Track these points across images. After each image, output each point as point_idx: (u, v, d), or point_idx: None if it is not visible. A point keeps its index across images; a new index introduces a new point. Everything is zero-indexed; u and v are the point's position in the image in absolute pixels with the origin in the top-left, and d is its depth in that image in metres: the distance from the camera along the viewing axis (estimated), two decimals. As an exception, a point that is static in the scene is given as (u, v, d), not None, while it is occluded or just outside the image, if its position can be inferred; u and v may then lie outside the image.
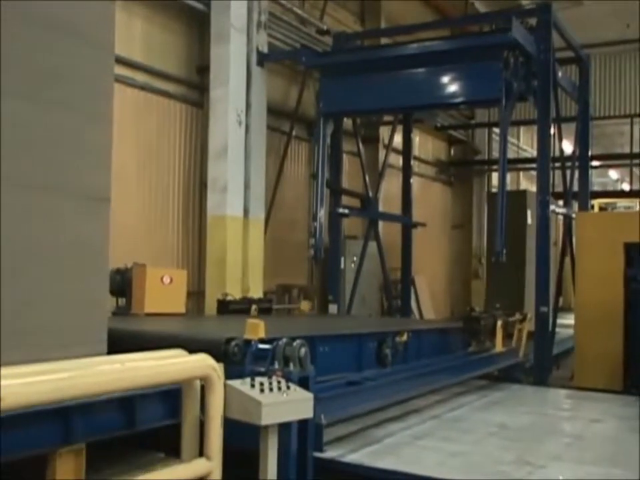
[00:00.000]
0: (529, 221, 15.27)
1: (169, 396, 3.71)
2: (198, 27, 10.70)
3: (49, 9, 3.99)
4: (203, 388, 3.67)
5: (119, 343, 4.00)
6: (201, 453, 3.63)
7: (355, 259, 13.29)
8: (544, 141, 9.99)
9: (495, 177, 18.82)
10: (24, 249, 3.81)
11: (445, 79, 9.94)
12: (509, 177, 10.10)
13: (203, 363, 3.57)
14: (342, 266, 12.48)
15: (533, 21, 10.06)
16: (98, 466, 3.44)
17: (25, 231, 3.82)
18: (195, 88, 10.79)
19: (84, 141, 4.19)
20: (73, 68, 4.16)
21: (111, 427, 3.44)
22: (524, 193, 16.95)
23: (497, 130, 16.57)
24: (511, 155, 12.15)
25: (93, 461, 3.33)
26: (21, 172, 3.84)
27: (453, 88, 9.95)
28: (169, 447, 3.78)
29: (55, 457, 3.10)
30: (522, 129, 22.40)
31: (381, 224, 13.87)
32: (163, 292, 7.53)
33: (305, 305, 10.06)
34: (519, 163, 20.67)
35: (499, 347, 8.34)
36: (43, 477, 3.15)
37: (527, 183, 23.33)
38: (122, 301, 7.72)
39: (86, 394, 3.06)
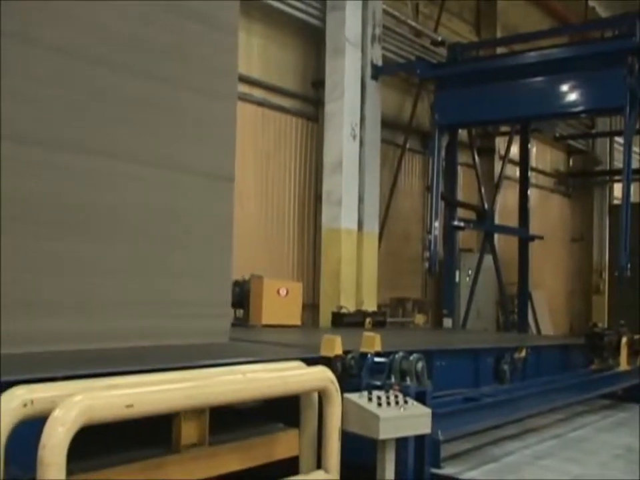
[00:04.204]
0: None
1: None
2: (313, 42, 10.85)
3: None
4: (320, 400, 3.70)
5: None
6: (319, 465, 3.65)
7: (470, 272, 13.07)
8: (672, 150, 9.53)
9: (617, 188, 18.08)
10: (150, 224, 4.01)
11: (566, 87, 9.66)
12: (633, 188, 9.67)
13: (321, 375, 3.59)
14: (457, 279, 12.29)
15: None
16: (220, 430, 3.52)
17: (152, 207, 4.02)
18: (310, 102, 10.93)
19: (208, 120, 4.38)
20: (198, 49, 4.35)
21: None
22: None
23: (619, 139, 15.94)
24: (635, 164, 11.62)
25: (216, 425, 3.42)
26: (148, 149, 4.04)
27: (574, 96, 9.66)
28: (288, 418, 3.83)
29: (180, 418, 3.21)
30: (646, 137, 21.43)
31: (497, 237, 13.59)
32: (279, 304, 7.66)
33: (419, 319, 9.99)
34: (643, 174, 19.73)
35: (623, 365, 7.97)
36: (168, 438, 3.27)
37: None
38: (240, 312, 7.90)
39: (208, 403, 3.15)
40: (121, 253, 3.98)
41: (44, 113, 3.73)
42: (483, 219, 13.21)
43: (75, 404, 2.45)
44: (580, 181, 19.35)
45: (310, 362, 3.84)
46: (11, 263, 3.58)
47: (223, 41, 4.54)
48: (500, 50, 13.71)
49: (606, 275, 18.52)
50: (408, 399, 3.97)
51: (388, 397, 3.88)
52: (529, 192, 13.38)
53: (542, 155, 17.80)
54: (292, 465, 3.70)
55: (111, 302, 3.91)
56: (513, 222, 13.62)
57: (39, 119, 3.71)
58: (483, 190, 13.51)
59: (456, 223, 11.87)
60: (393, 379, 4.14)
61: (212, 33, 4.44)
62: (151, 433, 3.26)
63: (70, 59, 3.81)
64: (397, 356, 4.20)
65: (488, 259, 13.13)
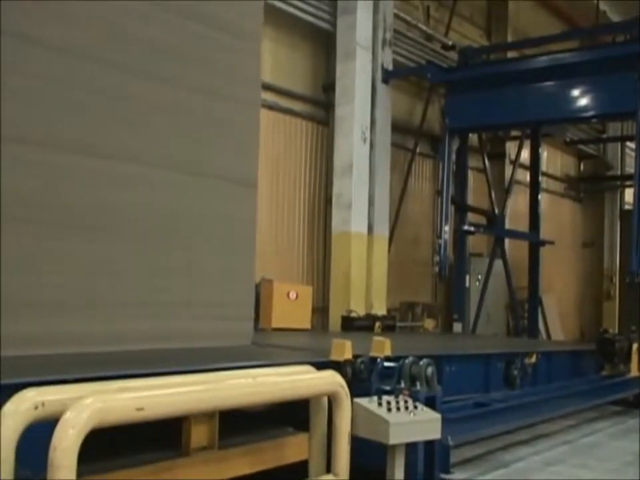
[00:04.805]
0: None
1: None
2: (324, 46, 10.85)
3: (202, 4, 4.25)
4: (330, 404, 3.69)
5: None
6: (328, 469, 3.64)
7: (480, 277, 13.03)
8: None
9: (628, 193, 18.00)
10: (173, 227, 4.07)
11: (577, 92, 9.64)
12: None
13: (331, 379, 3.58)
14: (467, 284, 12.25)
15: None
16: (230, 434, 3.53)
17: (177, 211, 4.09)
18: (321, 106, 10.93)
19: (233, 128, 4.44)
20: (223, 58, 4.42)
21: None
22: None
23: (631, 144, 15.88)
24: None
25: (226, 429, 3.43)
26: (173, 154, 4.11)
27: (585, 101, 9.63)
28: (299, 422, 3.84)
29: (190, 421, 3.22)
30: (658, 142, 21.28)
31: (507, 241, 13.56)
32: (289, 307, 7.66)
33: (429, 323, 9.96)
34: (655, 178, 19.59)
35: (634, 371, 7.92)
36: (178, 441, 3.29)
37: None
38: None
39: (219, 407, 3.15)
40: (143, 255, 4.02)
41: (69, 118, 3.81)
42: (493, 224, 13.18)
43: (86, 406, 2.46)
44: (591, 186, 19.27)
45: (319, 366, 3.83)
46: (40, 265, 3.64)
47: (247, 50, 4.61)
48: (511, 54, 13.68)
49: (617, 281, 18.43)
50: (418, 404, 3.96)
51: (398, 402, 3.88)
52: (539, 197, 13.34)
53: (552, 160, 17.75)
54: (301, 469, 3.70)
55: (134, 304, 3.95)
56: (524, 226, 13.58)
57: (64, 124, 3.78)
58: (493, 194, 13.48)
59: (466, 227, 11.85)
60: (402, 384, 4.13)
61: (237, 42, 4.50)
62: (161, 436, 3.27)
63: (95, 64, 3.88)
64: (406, 361, 4.19)
65: (498, 264, 13.09)
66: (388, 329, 8.89)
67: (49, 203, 3.77)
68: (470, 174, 12.99)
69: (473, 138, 13.05)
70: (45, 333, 3.71)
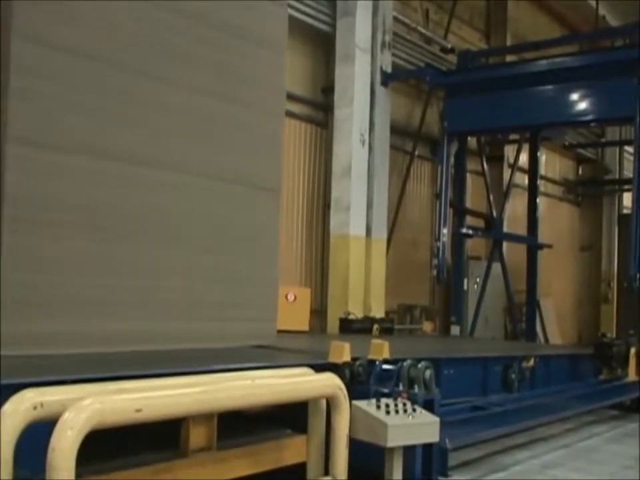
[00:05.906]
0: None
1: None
2: (323, 48, 10.85)
3: (230, 15, 4.32)
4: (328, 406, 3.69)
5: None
6: (326, 471, 3.64)
7: (478, 280, 13.03)
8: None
9: (626, 197, 18.01)
10: (200, 231, 4.14)
11: (576, 96, 9.65)
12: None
13: (329, 382, 3.58)
14: (465, 287, 12.26)
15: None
16: (229, 435, 3.54)
17: (206, 215, 4.16)
18: (320, 108, 10.93)
19: (259, 136, 4.51)
20: (250, 67, 4.49)
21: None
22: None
23: (629, 148, 15.91)
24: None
25: (225, 430, 3.45)
26: (204, 161, 4.17)
27: (584, 105, 9.64)
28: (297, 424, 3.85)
29: (189, 422, 3.22)
30: (656, 146, 21.29)
31: (505, 245, 13.56)
32: (287, 309, 7.65)
33: (427, 326, 9.97)
34: (652, 183, 19.58)
35: (632, 375, 7.94)
36: (177, 442, 3.30)
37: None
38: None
39: (217, 408, 3.14)
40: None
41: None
42: (492, 227, 13.19)
43: (85, 407, 2.46)
44: (589, 190, 19.28)
45: (318, 368, 3.83)
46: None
47: (272, 60, 4.68)
48: (510, 58, 13.71)
49: (614, 284, 18.44)
50: (416, 406, 3.96)
51: (396, 405, 3.88)
52: (537, 200, 13.36)
53: (551, 163, 17.76)
54: (300, 471, 3.69)
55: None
56: (522, 230, 13.59)
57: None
58: (491, 197, 13.49)
59: (464, 230, 11.86)
60: (401, 387, 4.13)
61: (262, 52, 4.57)
62: (160, 437, 3.27)
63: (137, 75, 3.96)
64: (405, 363, 4.19)
65: (496, 267, 13.09)
66: (386, 332, 8.88)
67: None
68: (468, 177, 13.00)
69: (472, 141, 13.06)
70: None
